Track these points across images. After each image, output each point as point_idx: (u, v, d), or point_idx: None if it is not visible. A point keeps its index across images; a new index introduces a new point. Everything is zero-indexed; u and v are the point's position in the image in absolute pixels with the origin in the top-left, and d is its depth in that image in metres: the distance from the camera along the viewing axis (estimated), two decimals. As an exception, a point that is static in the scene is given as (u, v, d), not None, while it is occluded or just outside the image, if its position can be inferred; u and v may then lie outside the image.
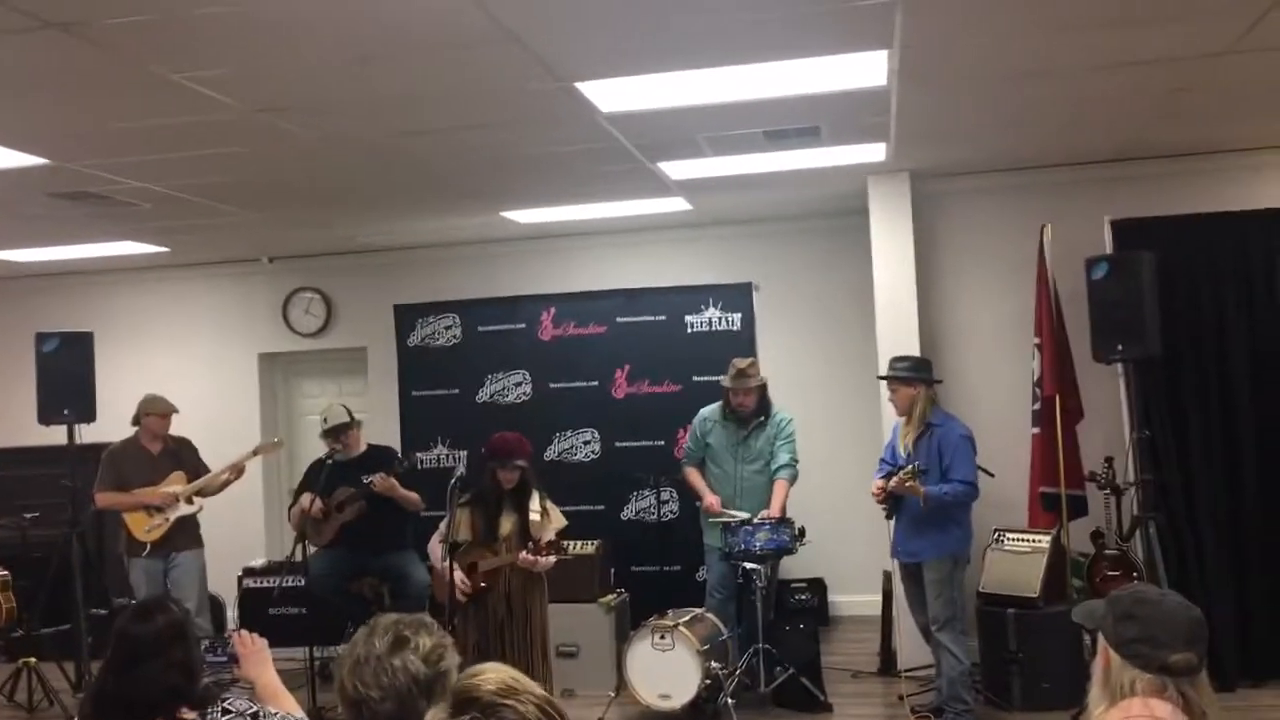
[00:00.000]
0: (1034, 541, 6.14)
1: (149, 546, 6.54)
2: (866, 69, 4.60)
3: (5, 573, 7.26)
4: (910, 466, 5.46)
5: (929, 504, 5.46)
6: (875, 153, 6.30)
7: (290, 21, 3.66)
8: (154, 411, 6.73)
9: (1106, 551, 5.98)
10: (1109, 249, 6.39)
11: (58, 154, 5.25)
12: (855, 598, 7.99)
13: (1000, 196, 7.09)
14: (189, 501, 6.64)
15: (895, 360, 5.92)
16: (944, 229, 7.17)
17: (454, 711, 1.49)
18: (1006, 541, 6.22)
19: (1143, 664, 2.06)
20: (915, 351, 6.56)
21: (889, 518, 5.76)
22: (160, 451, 6.75)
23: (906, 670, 6.35)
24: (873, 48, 4.34)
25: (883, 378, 5.99)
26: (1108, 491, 6.00)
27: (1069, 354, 6.53)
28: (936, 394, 5.83)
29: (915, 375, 5.73)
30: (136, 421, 6.76)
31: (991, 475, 6.08)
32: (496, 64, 4.23)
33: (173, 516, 6.58)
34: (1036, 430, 6.52)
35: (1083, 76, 4.98)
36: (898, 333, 6.79)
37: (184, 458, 6.80)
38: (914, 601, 5.85)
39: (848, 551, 7.68)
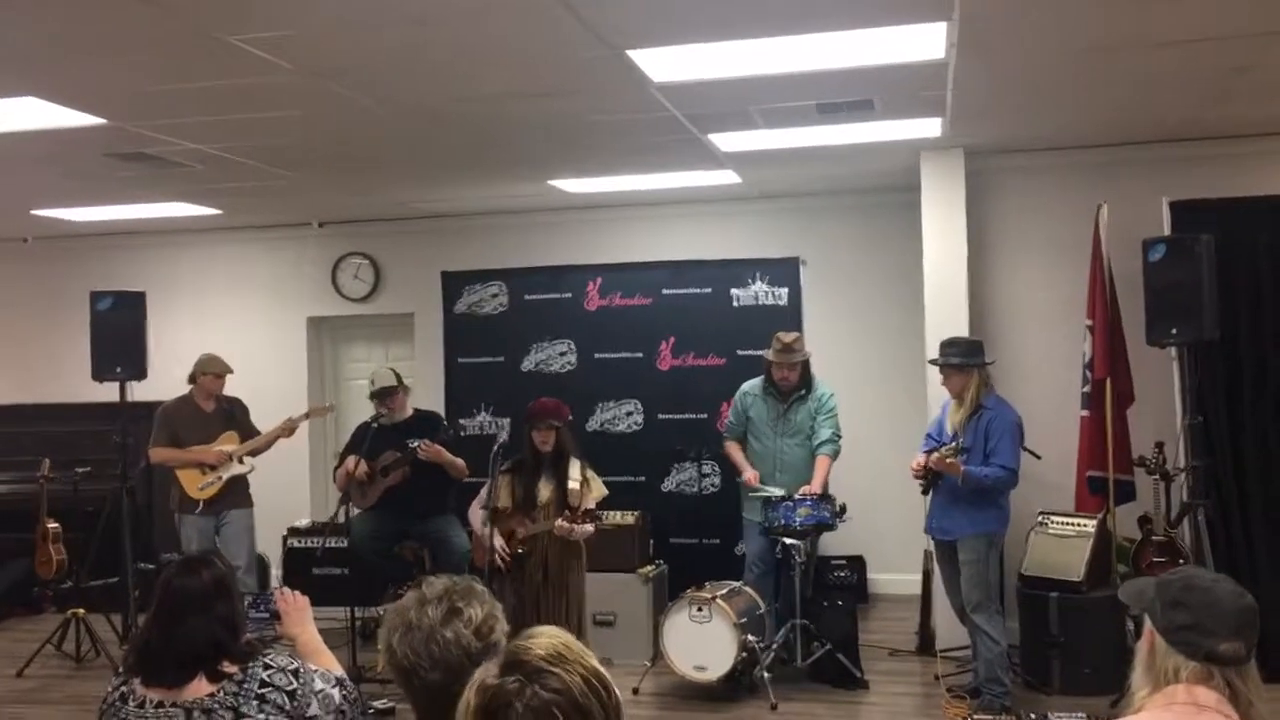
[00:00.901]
0: (1079, 525, 6.07)
1: (201, 504, 6.64)
2: (924, 41, 4.52)
3: (56, 525, 7.43)
4: (953, 444, 5.41)
5: (966, 483, 5.42)
6: (930, 128, 6.20)
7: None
8: (211, 371, 6.81)
9: (1154, 537, 5.90)
10: (1167, 230, 6.27)
11: (114, 114, 5.30)
12: (895, 576, 7.95)
13: (1056, 175, 6.98)
14: (241, 461, 6.73)
15: (946, 345, 5.77)
16: (997, 207, 7.06)
17: (501, 672, 1.50)
18: (1051, 524, 6.15)
19: (1189, 652, 2.02)
20: (964, 331, 6.48)
21: (925, 493, 5.71)
22: (214, 410, 6.83)
23: (944, 650, 6.32)
24: (932, 19, 4.26)
25: (934, 363, 5.86)
26: (1157, 477, 5.91)
27: (1122, 337, 6.42)
28: (989, 375, 5.72)
29: (968, 361, 5.62)
30: (192, 380, 6.84)
31: (1039, 457, 6.01)
32: (548, 30, 4.20)
33: (226, 475, 6.67)
34: (1086, 413, 6.43)
35: (1145, 54, 4.87)
36: (947, 311, 6.71)
37: (236, 418, 6.88)
38: (949, 581, 5.80)
39: (888, 529, 7.64)
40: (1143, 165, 6.78)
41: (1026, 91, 5.54)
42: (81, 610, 6.94)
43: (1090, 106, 5.89)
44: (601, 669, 1.54)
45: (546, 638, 1.55)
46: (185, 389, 6.88)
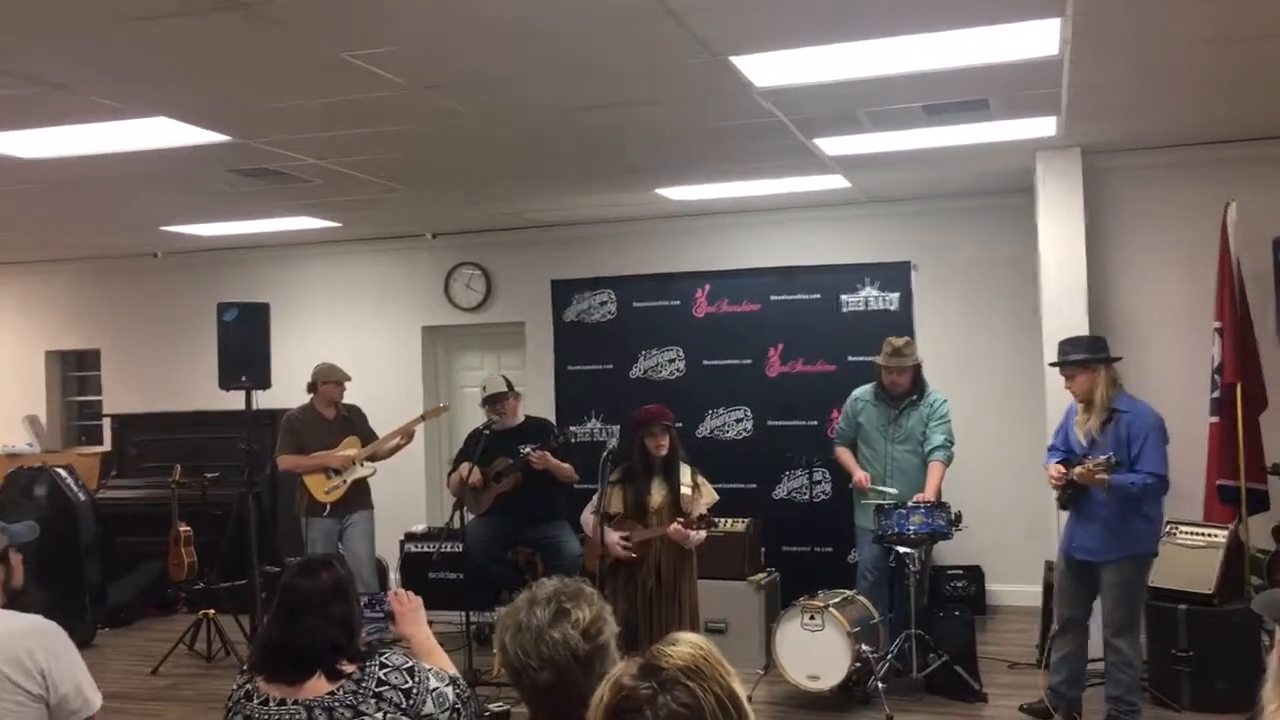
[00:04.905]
0: (1210, 536, 5.84)
1: (328, 507, 6.84)
2: (1037, 38, 4.41)
3: (188, 529, 7.73)
4: (1104, 458, 4.95)
5: (1112, 494, 5.02)
6: (1045, 127, 6.04)
7: (454, -1, 3.74)
8: (331, 379, 7.03)
9: (1289, 549, 5.64)
10: (1300, 228, 6.01)
11: (237, 131, 5.50)
12: (1014, 587, 7.75)
13: (1180, 172, 6.74)
14: (363, 465, 6.93)
15: (1066, 344, 5.41)
16: (1117, 207, 6.85)
17: (638, 674, 1.51)
18: (1180, 535, 5.92)
19: (1315, 659, 1.92)
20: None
21: (1063, 507, 5.32)
22: (334, 417, 7.04)
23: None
24: (1044, 15, 4.16)
25: (1054, 364, 5.50)
26: (1292, 485, 5.66)
27: (1253, 339, 6.17)
28: (1118, 374, 5.33)
29: (1093, 358, 5.22)
30: (313, 389, 7.06)
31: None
32: (651, 39, 4.22)
33: (350, 479, 6.87)
34: (1215, 419, 6.19)
35: (1270, 44, 4.66)
36: (1065, 315, 6.52)
37: (355, 424, 7.09)
38: (1071, 595, 5.39)
39: (1008, 540, 7.46)
40: (1272, 160, 6.51)
41: (1146, 87, 5.37)
42: (212, 611, 7.21)
43: (1214, 100, 5.68)
44: (738, 688, 1.53)
45: (688, 647, 1.54)
46: (307, 396, 7.11)
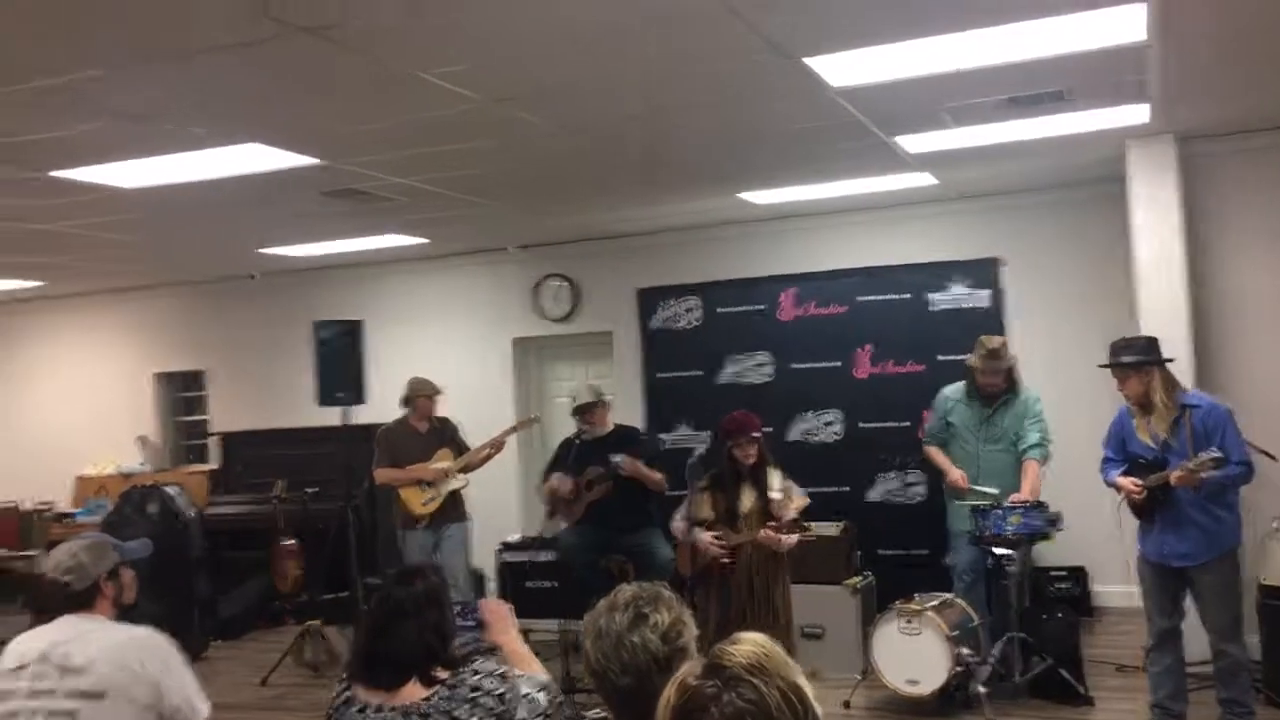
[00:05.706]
0: (1324, 530, 5.63)
1: (423, 520, 6.97)
2: (1123, 24, 4.30)
3: (292, 542, 7.93)
4: (1209, 456, 4.73)
5: (1201, 490, 4.86)
6: (1136, 114, 5.89)
7: (522, 8, 3.77)
8: (424, 393, 7.17)
9: None
10: None
11: (326, 154, 5.64)
12: (1120, 588, 7.52)
13: (1281, 155, 6.51)
14: (457, 476, 7.04)
15: (1118, 344, 5.19)
16: (1215, 195, 6.63)
17: (702, 674, 1.52)
18: (1292, 530, 5.72)
19: None
20: (1184, 330, 6.12)
21: (1144, 517, 5.10)
22: (428, 430, 7.18)
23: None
24: (1129, 0, 4.06)
25: (1105, 366, 5.24)
26: None
27: (1364, 325, 5.93)
28: (1170, 373, 5.12)
29: (1146, 359, 5.05)
30: (407, 403, 7.20)
31: (1274, 458, 5.60)
32: (723, 43, 4.21)
33: (444, 491, 7.01)
34: (1326, 409, 5.96)
35: (1377, 16, 4.49)
36: (1162, 308, 6.33)
37: (448, 436, 7.21)
38: (1165, 605, 5.15)
39: (1113, 540, 7.23)
40: (1382, 139, 6.25)
41: (1242, 69, 5.20)
42: (318, 622, 7.38)
43: (1316, 79, 5.48)
44: (802, 683, 1.53)
45: (750, 645, 1.55)
46: (402, 410, 7.24)
